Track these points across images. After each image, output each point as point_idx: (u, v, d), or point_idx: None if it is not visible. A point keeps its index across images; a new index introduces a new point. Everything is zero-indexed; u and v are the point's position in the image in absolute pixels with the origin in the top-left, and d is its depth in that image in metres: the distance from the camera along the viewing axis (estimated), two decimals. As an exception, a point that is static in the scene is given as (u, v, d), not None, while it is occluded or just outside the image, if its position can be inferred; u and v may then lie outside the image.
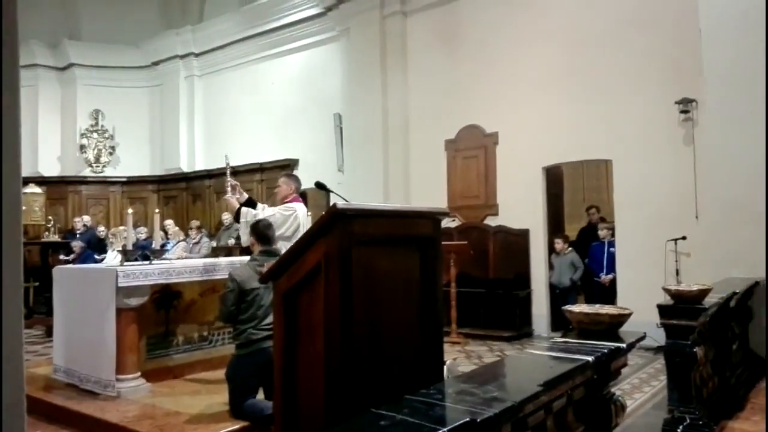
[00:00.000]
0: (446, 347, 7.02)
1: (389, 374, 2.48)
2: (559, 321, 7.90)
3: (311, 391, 2.38)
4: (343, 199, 2.99)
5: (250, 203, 5.32)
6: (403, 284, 2.66)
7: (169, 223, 11.09)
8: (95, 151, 13.63)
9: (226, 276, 4.20)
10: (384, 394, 2.14)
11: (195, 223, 10.39)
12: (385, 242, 2.57)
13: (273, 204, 5.74)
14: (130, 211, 5.26)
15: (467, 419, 1.56)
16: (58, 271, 5.53)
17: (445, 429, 1.48)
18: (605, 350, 2.38)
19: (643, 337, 2.72)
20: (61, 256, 10.20)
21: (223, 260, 5.82)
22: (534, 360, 2.45)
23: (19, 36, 0.93)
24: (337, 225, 2.32)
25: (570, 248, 8.10)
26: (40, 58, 13.51)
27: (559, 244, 8.08)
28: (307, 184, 6.08)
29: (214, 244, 10.30)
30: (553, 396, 2.06)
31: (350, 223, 2.34)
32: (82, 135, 13.60)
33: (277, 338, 2.52)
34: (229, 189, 5.34)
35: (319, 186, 3.75)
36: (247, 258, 4.56)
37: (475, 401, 1.75)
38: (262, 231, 4.19)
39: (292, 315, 2.50)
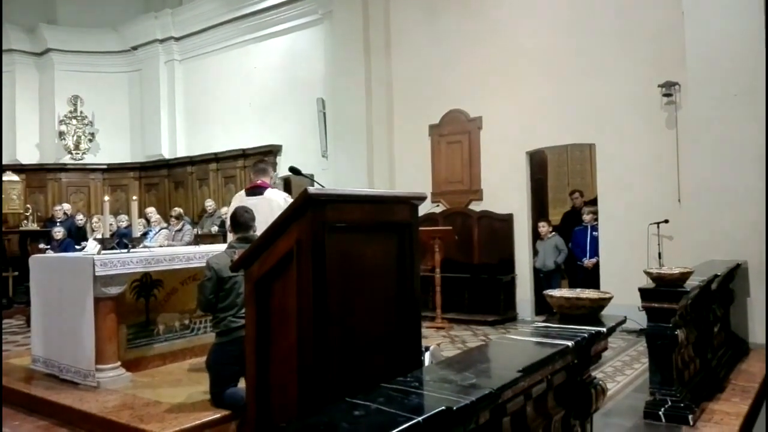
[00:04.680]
0: (431, 332, 7.10)
1: (365, 362, 2.44)
2: (544, 305, 7.91)
3: (285, 380, 2.33)
4: (318, 183, 2.93)
5: None
6: (380, 271, 2.62)
7: (151, 210, 10.96)
8: (74, 138, 13.38)
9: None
10: (360, 383, 2.10)
11: (176, 210, 10.26)
12: (360, 228, 2.52)
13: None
14: (106, 198, 5.17)
15: (443, 408, 1.52)
16: (34, 260, 5.44)
17: (420, 418, 1.44)
18: (585, 335, 2.36)
19: (623, 321, 2.70)
20: (41, 245, 10.04)
21: (203, 248, 5.74)
22: (514, 345, 2.42)
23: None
24: (309, 211, 2.26)
25: (553, 232, 8.12)
26: (16, 43, 13.20)
27: (543, 228, 8.10)
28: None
29: (198, 231, 10.20)
30: (533, 381, 2.03)
31: (323, 209, 2.27)
32: (61, 121, 13.34)
33: (250, 327, 2.47)
34: None
35: (293, 171, 3.67)
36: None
37: (453, 389, 1.71)
38: (237, 218, 4.11)
39: (264, 303, 2.44)
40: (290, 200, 4.77)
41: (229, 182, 11.89)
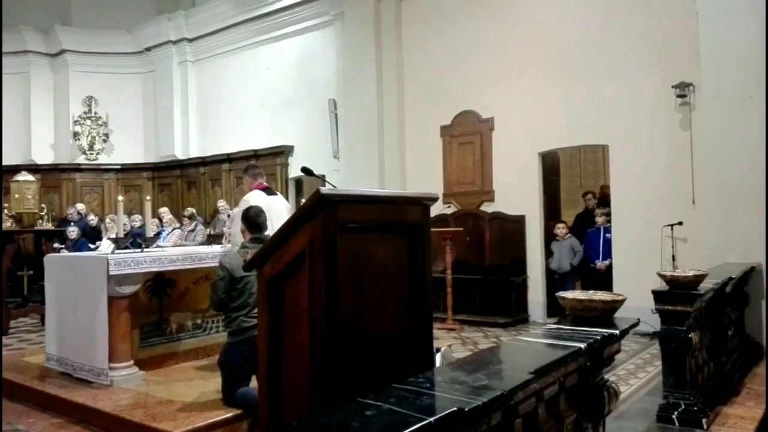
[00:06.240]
0: (442, 333, 7.09)
1: (377, 362, 2.44)
2: (556, 307, 7.87)
3: (297, 380, 2.34)
4: (330, 183, 2.94)
5: None
6: (392, 271, 2.61)
7: (164, 210, 11.04)
8: (89, 139, 13.50)
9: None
10: (371, 383, 2.10)
11: (188, 210, 10.33)
12: (372, 228, 2.52)
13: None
14: (120, 198, 5.21)
15: (455, 409, 1.52)
16: (49, 260, 5.49)
17: (431, 419, 1.44)
18: (598, 337, 2.34)
19: (636, 324, 2.68)
20: (56, 244, 10.13)
21: (216, 248, 5.77)
22: (526, 347, 2.41)
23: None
24: (321, 211, 2.26)
25: (569, 234, 8.07)
26: (31, 45, 13.36)
27: (560, 229, 8.05)
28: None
29: (210, 231, 10.25)
30: (545, 383, 2.02)
31: (335, 209, 2.28)
32: (76, 122, 13.47)
33: (262, 327, 2.47)
34: None
35: (305, 171, 3.68)
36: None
37: (465, 390, 1.70)
38: (252, 218, 4.13)
39: (276, 303, 2.45)
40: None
41: (241, 183, 11.91)
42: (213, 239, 9.37)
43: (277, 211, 4.90)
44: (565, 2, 8.06)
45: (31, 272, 9.24)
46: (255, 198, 4.91)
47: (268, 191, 5.25)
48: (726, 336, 4.78)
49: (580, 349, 2.20)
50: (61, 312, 5.12)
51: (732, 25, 6.02)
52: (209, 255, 5.24)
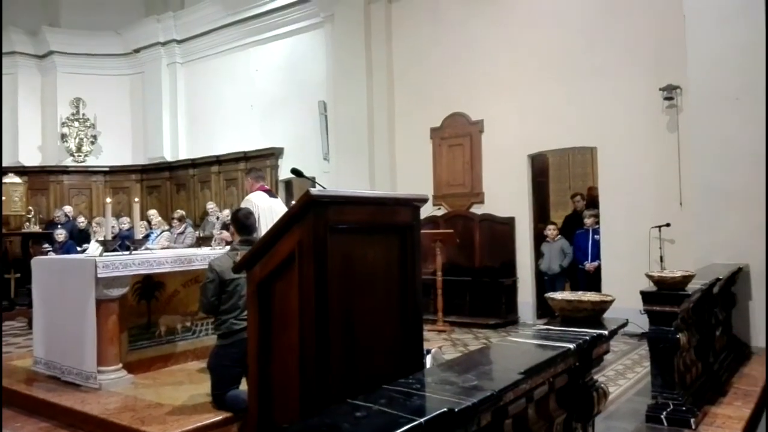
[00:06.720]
0: (432, 335, 7.09)
1: (367, 364, 2.44)
2: (546, 308, 7.90)
3: (287, 382, 2.34)
4: (320, 185, 2.94)
5: None
6: (382, 273, 2.62)
7: (153, 212, 10.97)
8: (77, 140, 13.40)
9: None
10: (361, 384, 2.10)
11: (178, 213, 10.28)
12: (362, 230, 2.52)
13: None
14: (108, 200, 5.17)
15: (445, 409, 1.52)
16: (36, 262, 5.45)
17: (422, 420, 1.44)
18: (587, 337, 2.35)
19: (625, 324, 2.70)
20: (43, 247, 10.05)
21: (204, 250, 5.74)
22: (516, 348, 2.42)
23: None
24: (310, 212, 2.26)
25: (560, 235, 8.11)
26: (18, 46, 13.25)
27: (551, 231, 8.08)
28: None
29: (199, 233, 10.20)
30: (535, 384, 2.03)
31: (325, 211, 2.28)
32: (63, 124, 13.37)
33: (252, 328, 2.47)
34: None
35: (295, 173, 3.67)
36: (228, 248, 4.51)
37: (455, 390, 1.71)
38: (241, 220, 4.13)
39: (266, 305, 2.44)
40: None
41: (230, 185, 11.91)
42: (202, 241, 9.32)
43: (279, 213, 4.98)
44: (554, 6, 8.11)
45: (18, 275, 9.18)
46: (258, 198, 4.99)
47: (270, 194, 5.33)
48: (713, 336, 4.82)
49: (569, 349, 2.21)
50: (49, 315, 5.08)
51: (718, 28, 6.09)
52: (198, 257, 5.22)
